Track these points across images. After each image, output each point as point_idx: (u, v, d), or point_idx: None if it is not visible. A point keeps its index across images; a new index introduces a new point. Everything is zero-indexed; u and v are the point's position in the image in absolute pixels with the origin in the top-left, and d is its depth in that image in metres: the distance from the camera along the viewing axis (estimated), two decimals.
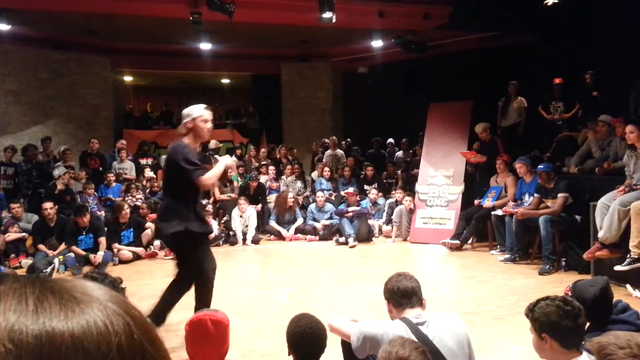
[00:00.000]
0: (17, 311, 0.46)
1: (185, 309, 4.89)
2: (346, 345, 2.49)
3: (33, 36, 10.67)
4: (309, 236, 8.75)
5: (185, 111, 3.86)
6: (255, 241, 8.46)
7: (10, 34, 9.75)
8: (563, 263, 6.23)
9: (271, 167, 10.13)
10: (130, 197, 8.71)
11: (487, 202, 7.48)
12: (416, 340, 2.18)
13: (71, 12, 9.12)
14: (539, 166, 6.67)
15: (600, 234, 5.33)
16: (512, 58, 9.63)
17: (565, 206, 6.35)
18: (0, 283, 0.50)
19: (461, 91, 9.58)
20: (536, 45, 9.63)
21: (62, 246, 7.07)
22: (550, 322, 2.15)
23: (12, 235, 7.06)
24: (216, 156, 10.59)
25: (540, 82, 8.87)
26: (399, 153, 11.26)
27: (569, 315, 2.14)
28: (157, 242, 7.58)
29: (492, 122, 8.77)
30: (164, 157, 10.54)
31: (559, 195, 6.35)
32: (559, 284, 5.68)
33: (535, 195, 6.70)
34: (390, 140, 11.62)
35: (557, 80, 8.35)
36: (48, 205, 7.31)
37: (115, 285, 2.45)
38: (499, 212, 7.16)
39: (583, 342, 2.20)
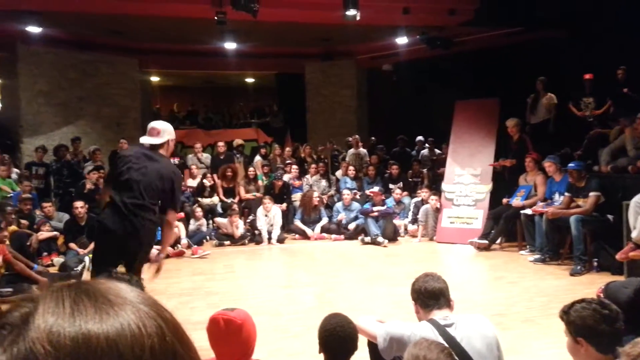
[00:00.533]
0: (55, 314, 0.47)
1: (212, 307, 4.94)
2: (373, 346, 2.47)
3: (62, 38, 10.91)
4: (334, 235, 8.73)
5: (164, 126, 3.88)
6: (281, 240, 8.48)
7: (40, 36, 9.99)
8: (595, 264, 6.08)
9: (294, 166, 10.15)
10: None
11: (516, 201, 7.34)
12: (443, 342, 2.15)
13: (99, 14, 9.30)
14: (570, 164, 6.51)
15: (633, 234, 5.18)
16: (540, 53, 9.42)
17: (597, 205, 6.19)
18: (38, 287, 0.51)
19: (488, 88, 9.43)
20: (564, 40, 9.40)
21: (92, 245, 7.19)
22: (587, 326, 2.09)
23: (45, 234, 7.23)
24: (238, 155, 10.68)
25: (569, 78, 8.66)
26: (425, 151, 11.15)
27: (607, 320, 2.07)
28: (184, 241, 7.66)
29: (520, 119, 8.59)
30: (190, 156, 10.71)
31: (591, 194, 6.19)
32: (591, 285, 5.53)
33: (566, 194, 6.54)
34: (420, 137, 11.46)
35: (587, 76, 8.15)
36: (79, 204, 7.47)
37: (140, 284, 2.48)
38: (528, 211, 7.02)
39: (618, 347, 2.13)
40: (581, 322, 2.10)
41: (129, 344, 0.47)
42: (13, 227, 6.60)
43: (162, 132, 3.84)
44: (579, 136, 8.12)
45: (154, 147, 3.82)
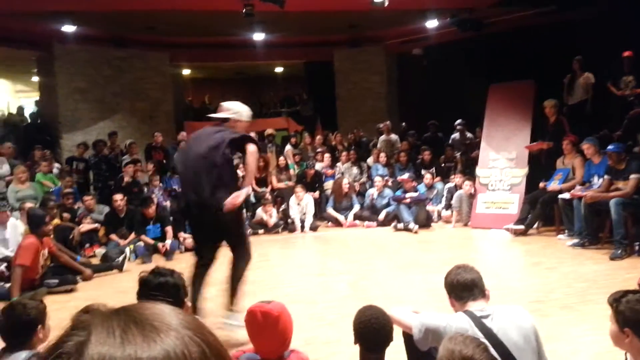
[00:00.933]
0: (107, 343, 0.51)
1: (248, 296, 5.03)
2: (408, 337, 2.48)
3: (96, 35, 11.16)
4: (366, 222, 8.75)
5: (230, 105, 4.11)
6: (314, 228, 8.55)
7: (75, 34, 10.24)
8: (636, 247, 5.92)
9: (326, 155, 10.16)
10: None
11: (554, 185, 7.17)
12: (480, 333, 2.15)
13: (131, 11, 9.48)
14: (609, 147, 6.31)
15: None
16: (574, 33, 9.11)
17: (638, 188, 5.99)
18: (87, 313, 0.55)
19: (521, 70, 9.17)
20: (598, 18, 9.05)
21: (132, 235, 7.44)
22: (637, 320, 2.05)
23: (86, 226, 7.49)
24: (270, 145, 10.76)
25: (605, 56, 8.35)
26: (456, 135, 10.94)
27: None
28: None
29: (557, 100, 8.35)
30: None
31: (632, 176, 6.00)
32: (633, 270, 5.39)
33: (606, 177, 6.36)
34: (459, 121, 11.18)
35: (627, 53, 7.85)
36: (118, 197, 7.70)
37: (181, 279, 2.56)
38: (566, 195, 6.85)
39: None
40: (631, 314, 2.06)
41: None
42: (56, 221, 6.87)
43: (226, 109, 4.04)
44: (618, 116, 7.86)
45: (218, 123, 4.03)
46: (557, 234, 7.12)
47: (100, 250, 7.26)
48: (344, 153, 10.37)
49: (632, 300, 2.08)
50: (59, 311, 4.78)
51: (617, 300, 2.13)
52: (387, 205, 8.78)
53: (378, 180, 8.98)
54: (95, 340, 0.51)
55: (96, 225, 7.69)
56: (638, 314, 2.05)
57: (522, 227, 7.29)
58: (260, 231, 8.42)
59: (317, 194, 9.18)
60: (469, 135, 10.77)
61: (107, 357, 0.49)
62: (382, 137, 10.89)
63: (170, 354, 0.51)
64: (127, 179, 8.76)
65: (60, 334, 0.54)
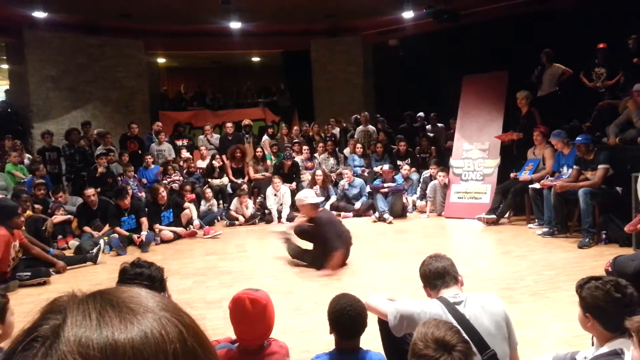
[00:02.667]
0: (83, 326, 0.50)
1: (225, 286, 5.06)
2: (383, 324, 2.54)
3: (68, 22, 10.90)
4: (343, 213, 8.81)
5: None
6: (290, 219, 8.53)
7: (46, 21, 9.99)
8: (603, 236, 6.10)
9: (305, 147, 10.17)
10: (167, 178, 8.96)
11: (524, 175, 7.34)
12: (453, 319, 2.21)
13: None
14: (577, 138, 6.46)
15: None
16: (549, 24, 9.27)
17: (605, 178, 6.18)
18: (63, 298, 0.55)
19: (496, 61, 9.32)
20: (574, 10, 9.23)
21: (106, 227, 7.35)
22: (597, 305, 2.14)
23: (59, 217, 7.36)
24: (247, 136, 10.72)
25: (581, 48, 8.51)
26: (428, 127, 11.10)
27: (618, 304, 2.11)
28: (196, 222, 7.78)
29: (530, 92, 8.48)
30: (200, 137, 10.79)
31: (599, 166, 6.18)
32: (599, 257, 5.58)
33: (575, 167, 6.53)
34: (420, 114, 11.43)
35: (601, 45, 7.98)
36: (90, 192, 7.60)
37: (161, 271, 2.56)
38: (536, 185, 7.02)
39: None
40: (592, 301, 2.16)
41: (154, 350, 0.50)
42: (28, 212, 6.74)
43: None
44: (588, 108, 8.04)
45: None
46: (527, 223, 7.30)
47: (73, 242, 7.16)
48: (321, 144, 10.40)
49: (592, 287, 2.18)
50: (32, 304, 4.73)
51: (581, 287, 2.23)
52: (360, 195, 8.86)
53: (346, 171, 9.05)
54: (71, 323, 0.50)
55: (69, 216, 7.56)
56: (596, 299, 2.14)
57: (493, 216, 7.45)
58: (237, 222, 8.41)
59: (294, 184, 9.19)
60: (440, 125, 10.96)
61: (83, 339, 0.49)
62: (360, 128, 10.94)
63: (147, 335, 0.50)
64: (101, 169, 8.63)
65: (33, 319, 0.53)
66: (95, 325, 0.50)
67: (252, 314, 2.26)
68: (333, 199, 9.02)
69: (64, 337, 0.49)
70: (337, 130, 11.53)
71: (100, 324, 0.50)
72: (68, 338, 0.49)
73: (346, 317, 2.34)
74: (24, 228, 6.02)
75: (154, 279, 2.52)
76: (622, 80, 7.88)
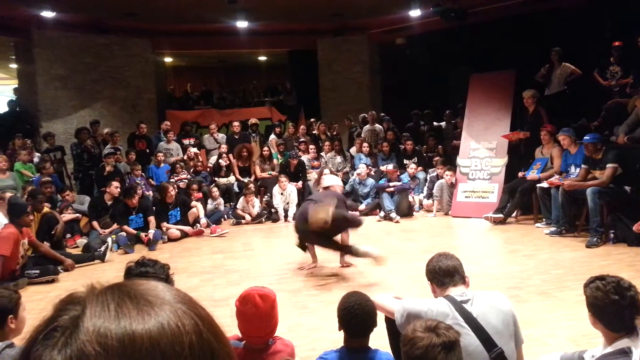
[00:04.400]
0: (102, 316, 0.52)
1: (232, 285, 5.08)
2: (390, 322, 2.55)
3: (76, 22, 10.96)
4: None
5: None
6: None
7: (54, 20, 10.05)
8: (612, 235, 6.07)
9: (311, 146, 10.17)
10: (175, 176, 9.01)
11: (532, 174, 7.31)
12: (460, 317, 2.21)
13: None
14: (585, 137, 6.42)
15: None
16: (558, 23, 9.21)
17: (614, 177, 6.14)
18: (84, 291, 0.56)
19: (505, 60, 9.26)
20: (583, 7, 9.16)
21: (114, 226, 7.39)
22: (597, 306, 2.16)
23: (68, 216, 7.41)
24: (254, 135, 10.73)
25: (588, 46, 8.45)
26: (443, 124, 11.08)
27: (616, 306, 2.12)
28: (203, 220, 7.80)
29: (537, 91, 8.43)
30: (206, 136, 10.82)
31: (608, 165, 6.14)
32: (607, 257, 5.56)
33: (583, 166, 6.50)
34: (415, 111, 11.47)
35: (617, 43, 7.90)
36: (115, 183, 7.65)
37: (166, 269, 2.57)
38: (544, 184, 6.99)
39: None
40: (592, 301, 2.17)
41: (170, 341, 0.51)
42: (46, 209, 6.79)
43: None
44: (596, 107, 7.99)
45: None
46: (535, 223, 7.27)
47: (82, 241, 7.20)
48: (327, 143, 10.39)
49: (594, 287, 2.19)
50: (41, 302, 4.77)
51: (586, 286, 2.25)
52: (369, 194, 8.85)
53: (362, 167, 9.01)
54: (90, 314, 0.52)
55: (77, 215, 7.61)
56: (597, 300, 2.15)
57: (501, 215, 7.42)
58: (244, 221, 8.43)
59: (300, 183, 9.20)
60: (435, 124, 10.97)
61: (102, 329, 0.50)
62: (367, 127, 10.93)
63: (164, 326, 0.52)
64: (109, 168, 8.68)
65: (53, 309, 0.54)
66: (113, 316, 0.51)
67: (262, 309, 2.27)
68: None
69: (84, 327, 0.50)
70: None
71: (119, 314, 0.52)
72: (87, 328, 0.50)
73: (355, 315, 2.34)
74: (36, 226, 6.08)
75: (159, 278, 2.53)
76: (632, 79, 7.82)
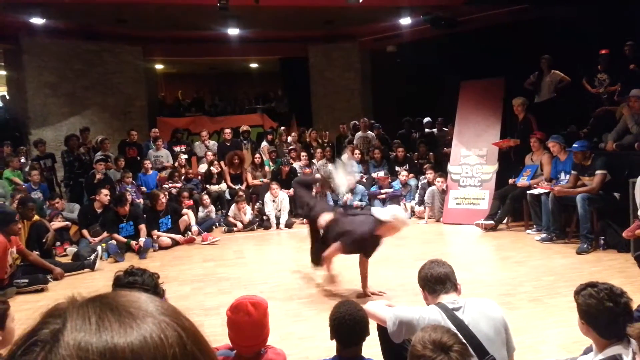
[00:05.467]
0: (82, 330, 0.50)
1: (224, 293, 5.04)
2: (382, 330, 2.54)
3: (66, 28, 10.90)
4: None
5: None
6: (289, 225, 8.56)
7: (44, 27, 10.00)
8: (602, 242, 6.11)
9: (303, 154, 10.17)
10: (170, 183, 8.98)
11: (522, 181, 7.35)
12: (451, 325, 2.21)
13: (101, 3, 9.30)
14: (573, 145, 6.47)
15: None
16: (547, 31, 9.30)
17: (603, 183, 6.19)
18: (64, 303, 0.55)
19: (494, 68, 9.34)
20: (572, 16, 9.27)
21: (105, 234, 7.33)
22: (590, 313, 2.16)
23: (57, 224, 7.34)
24: (245, 142, 10.72)
25: (577, 54, 8.54)
26: (435, 131, 11.15)
27: (610, 313, 2.12)
28: (194, 228, 7.76)
29: (526, 98, 8.50)
30: (197, 143, 10.79)
31: (597, 172, 6.19)
32: (598, 263, 5.59)
33: (572, 172, 6.55)
34: (428, 119, 11.49)
35: (604, 51, 8.00)
36: (105, 191, 7.61)
37: (155, 278, 2.56)
38: (534, 190, 7.03)
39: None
40: (585, 308, 2.17)
41: (153, 354, 0.50)
42: (35, 217, 6.71)
43: None
44: (585, 114, 8.06)
45: None
46: (525, 229, 7.30)
47: (71, 249, 7.13)
48: (319, 150, 10.40)
49: (586, 294, 2.19)
50: (29, 311, 4.71)
51: (577, 293, 2.25)
52: (360, 201, 8.85)
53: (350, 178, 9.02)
54: (71, 327, 0.50)
55: (67, 223, 7.55)
56: (590, 307, 2.15)
57: (492, 222, 7.45)
58: (235, 228, 8.40)
59: (292, 190, 9.17)
60: (428, 130, 11.03)
61: (82, 343, 0.49)
62: (359, 134, 10.95)
63: (147, 339, 0.51)
64: (99, 176, 8.62)
65: (33, 323, 0.53)
66: (94, 330, 0.50)
67: (255, 318, 2.25)
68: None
69: (64, 341, 0.49)
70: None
71: (100, 328, 0.51)
72: (68, 342, 0.49)
73: (347, 324, 2.33)
74: (25, 234, 6.01)
75: (147, 286, 2.52)
76: (619, 87, 7.89)
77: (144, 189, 9.05)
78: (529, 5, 9.75)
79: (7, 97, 12.14)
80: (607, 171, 6.20)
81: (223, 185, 9.42)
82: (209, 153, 9.89)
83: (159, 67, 15.99)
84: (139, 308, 0.54)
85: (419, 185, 8.96)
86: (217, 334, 3.69)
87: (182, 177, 9.43)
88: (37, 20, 9.54)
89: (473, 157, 8.46)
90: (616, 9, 8.13)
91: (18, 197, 7.04)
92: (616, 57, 7.96)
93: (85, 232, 7.42)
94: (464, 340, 1.82)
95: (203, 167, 9.92)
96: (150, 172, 9.36)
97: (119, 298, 0.55)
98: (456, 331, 2.18)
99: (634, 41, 7.74)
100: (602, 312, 2.12)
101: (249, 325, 2.26)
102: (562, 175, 6.84)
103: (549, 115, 8.28)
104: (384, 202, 8.38)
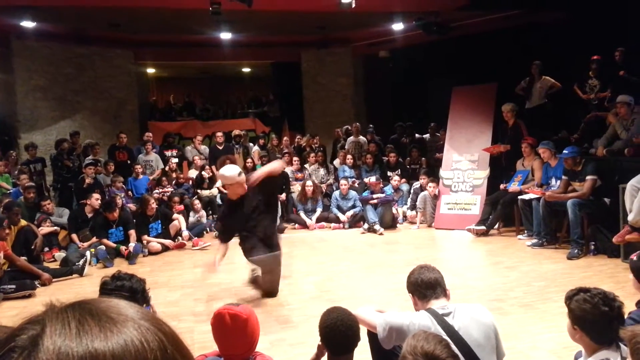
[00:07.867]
0: (62, 335, 0.49)
1: (214, 299, 5.00)
2: (372, 336, 2.51)
3: (57, 32, 10.84)
4: (333, 224, 8.78)
5: None
6: (280, 230, 8.50)
7: (35, 30, 9.93)
8: (592, 247, 6.13)
9: (295, 158, 10.15)
10: (160, 188, 8.92)
11: (514, 187, 7.37)
12: (442, 330, 2.20)
13: (93, 7, 9.24)
14: (564, 151, 6.50)
15: (630, 217, 5.23)
16: (538, 36, 9.36)
17: (593, 189, 6.23)
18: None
19: (486, 73, 9.38)
20: (563, 22, 9.33)
21: (94, 239, 7.25)
22: (584, 319, 2.14)
23: (46, 229, 7.26)
24: (237, 146, 10.68)
25: (570, 60, 8.59)
26: (427, 136, 11.17)
27: (605, 318, 2.11)
28: (185, 233, 7.70)
29: (518, 104, 8.54)
30: (188, 148, 10.73)
31: (587, 177, 6.23)
32: (588, 268, 5.61)
33: (563, 177, 6.57)
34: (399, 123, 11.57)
35: (595, 57, 8.05)
36: (96, 195, 7.55)
37: (142, 283, 2.53)
38: (526, 196, 7.05)
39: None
40: (580, 313, 2.15)
41: (134, 359, 0.49)
42: (23, 222, 6.62)
43: None
44: (576, 120, 8.11)
45: None
46: (517, 235, 7.32)
47: (60, 254, 7.04)
48: (311, 155, 10.38)
49: (580, 300, 2.17)
50: (16, 317, 4.64)
51: (570, 299, 2.23)
52: (353, 207, 8.84)
53: (343, 183, 9.01)
54: (50, 332, 0.50)
55: (55, 228, 7.46)
56: (585, 312, 2.14)
57: (483, 227, 7.47)
58: None
59: (283, 195, 9.16)
60: (418, 135, 11.06)
61: (63, 348, 0.48)
62: (351, 139, 10.95)
63: (128, 344, 0.50)
64: (88, 180, 8.54)
65: (11, 329, 0.52)
66: (75, 335, 0.50)
67: (232, 329, 2.23)
68: (320, 210, 8.99)
69: (43, 346, 0.49)
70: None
71: (80, 333, 0.50)
72: (47, 347, 0.48)
73: (337, 332, 2.30)
74: (12, 239, 5.93)
75: (135, 291, 2.50)
76: (610, 93, 7.95)
77: (130, 193, 8.98)
78: (520, 12, 9.82)
79: None
80: (597, 177, 6.24)
81: (214, 190, 9.37)
82: (197, 157, 9.84)
83: (150, 71, 15.94)
84: (119, 313, 0.54)
85: (411, 190, 8.96)
86: (207, 340, 3.65)
87: (173, 182, 9.36)
88: (28, 24, 9.47)
89: (465, 163, 8.49)
90: (607, 15, 8.20)
91: (5, 202, 6.95)
92: (607, 64, 8.02)
93: (74, 236, 7.34)
94: (456, 352, 1.80)
95: (193, 172, 9.86)
96: (141, 176, 9.28)
97: (99, 304, 0.55)
98: (446, 337, 2.17)
99: (625, 48, 7.81)
100: (597, 317, 2.11)
101: (228, 335, 2.25)
102: (553, 181, 6.87)
103: (540, 121, 8.33)
104: (375, 207, 8.37)
